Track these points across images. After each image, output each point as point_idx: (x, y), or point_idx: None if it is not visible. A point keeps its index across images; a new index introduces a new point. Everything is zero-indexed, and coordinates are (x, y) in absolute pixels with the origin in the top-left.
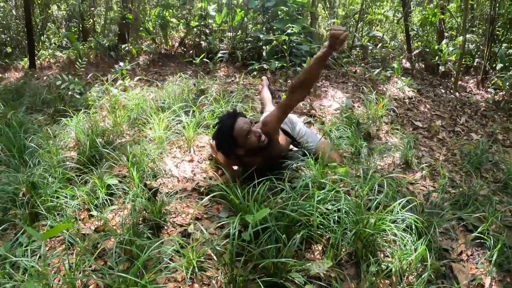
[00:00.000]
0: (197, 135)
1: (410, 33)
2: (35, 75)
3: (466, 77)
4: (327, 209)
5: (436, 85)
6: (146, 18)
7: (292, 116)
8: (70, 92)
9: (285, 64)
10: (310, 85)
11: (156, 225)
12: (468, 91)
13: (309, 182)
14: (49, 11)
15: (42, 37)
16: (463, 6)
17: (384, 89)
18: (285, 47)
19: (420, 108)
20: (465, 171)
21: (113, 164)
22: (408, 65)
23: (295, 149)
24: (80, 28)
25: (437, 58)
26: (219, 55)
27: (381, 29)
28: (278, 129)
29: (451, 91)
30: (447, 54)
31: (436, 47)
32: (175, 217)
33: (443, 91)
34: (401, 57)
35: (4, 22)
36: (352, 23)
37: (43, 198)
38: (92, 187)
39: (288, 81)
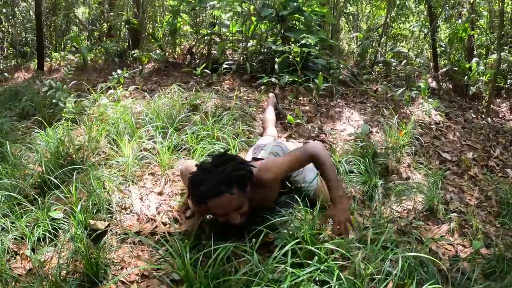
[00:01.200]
0: (174, 160)
1: (437, 49)
2: (41, 78)
3: (497, 100)
4: None
5: (465, 108)
6: (156, 25)
7: (289, 146)
8: (54, 100)
9: (296, 79)
10: None
11: (92, 280)
12: (500, 116)
13: (291, 248)
14: (72, 14)
15: (64, 39)
16: (495, 23)
17: (408, 112)
18: (297, 59)
19: (449, 137)
20: (501, 221)
21: (64, 194)
22: (434, 84)
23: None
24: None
25: (466, 78)
26: (224, 66)
27: (406, 45)
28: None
29: (483, 116)
30: (477, 73)
31: (467, 65)
32: (120, 268)
33: (473, 115)
34: (427, 75)
35: (24, 21)
36: (375, 38)
37: None
38: (34, 219)
39: (300, 98)
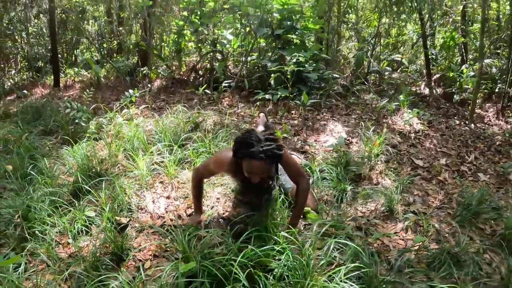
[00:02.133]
0: (178, 172)
1: (430, 56)
2: (58, 95)
3: (487, 104)
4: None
5: (450, 115)
6: (163, 44)
7: None
8: (77, 120)
9: (288, 95)
10: None
11: (118, 258)
12: (486, 121)
13: (257, 235)
14: (83, 27)
15: (75, 51)
16: (488, 26)
17: (390, 122)
18: (289, 76)
19: (426, 144)
20: (458, 221)
21: (95, 198)
22: (427, 91)
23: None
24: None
25: (458, 84)
26: (224, 84)
27: (405, 52)
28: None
29: (467, 122)
30: (465, 80)
31: (451, 74)
32: (138, 251)
33: (457, 122)
34: (419, 82)
35: (38, 36)
36: (369, 48)
37: (32, 223)
38: (73, 217)
39: (292, 112)
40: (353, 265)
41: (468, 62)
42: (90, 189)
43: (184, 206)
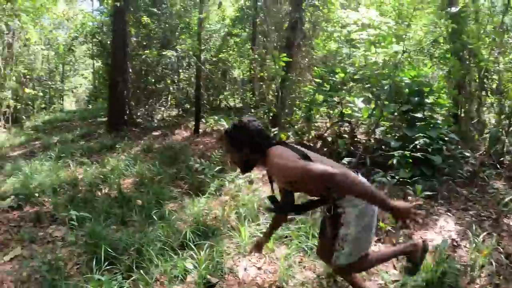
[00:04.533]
0: (276, 246)
1: None
2: (195, 140)
3: None
4: None
5: None
6: (294, 108)
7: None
8: (203, 176)
9: (407, 179)
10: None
11: None
12: None
13: None
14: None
15: (220, 96)
16: None
17: None
18: (410, 160)
19: None
20: None
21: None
22: None
23: None
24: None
25: None
26: (345, 160)
27: None
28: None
29: None
30: None
31: None
32: None
33: None
34: None
35: (187, 82)
36: (505, 125)
37: (141, 258)
38: (174, 264)
39: (409, 198)
40: None
41: None
42: (193, 247)
43: (270, 280)
